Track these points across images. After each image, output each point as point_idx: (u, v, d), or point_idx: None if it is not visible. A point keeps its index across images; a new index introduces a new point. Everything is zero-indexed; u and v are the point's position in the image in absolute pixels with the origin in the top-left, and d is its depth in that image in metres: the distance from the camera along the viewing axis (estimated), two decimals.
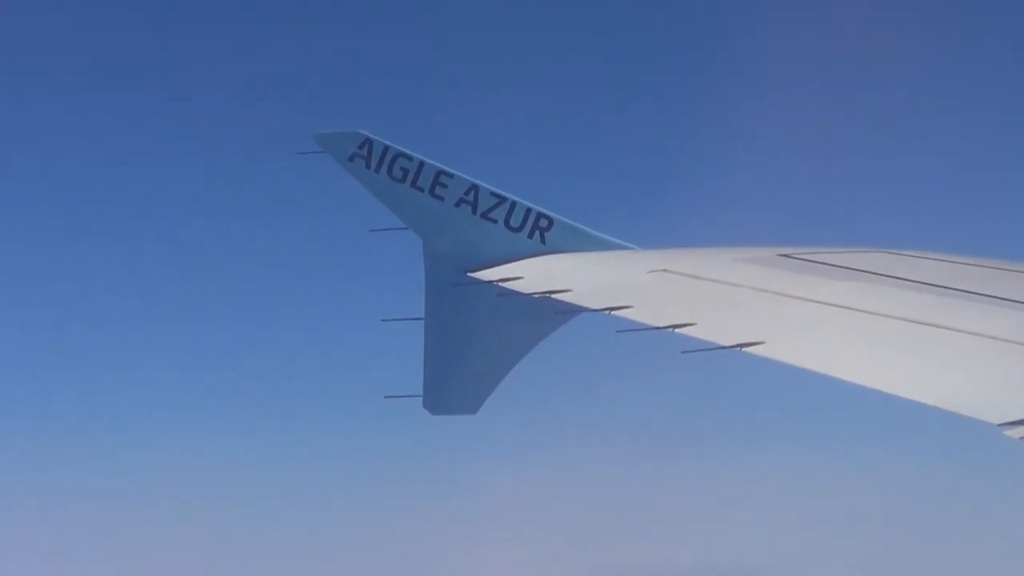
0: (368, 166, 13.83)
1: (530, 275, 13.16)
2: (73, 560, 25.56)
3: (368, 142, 13.84)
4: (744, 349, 9.40)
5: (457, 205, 13.80)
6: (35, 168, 32.60)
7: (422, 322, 14.02)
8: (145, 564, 25.52)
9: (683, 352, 9.71)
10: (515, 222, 13.77)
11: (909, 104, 31.13)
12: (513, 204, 13.81)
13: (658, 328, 10.28)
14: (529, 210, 13.80)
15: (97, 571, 25.59)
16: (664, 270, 11.95)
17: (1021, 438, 7.26)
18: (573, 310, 12.29)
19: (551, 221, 13.78)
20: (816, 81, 31.01)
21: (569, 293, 12.23)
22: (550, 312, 12.70)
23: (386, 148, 13.83)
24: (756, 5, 29.95)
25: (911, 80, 31.21)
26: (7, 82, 32.13)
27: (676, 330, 10.10)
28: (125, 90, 32.48)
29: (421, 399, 14.08)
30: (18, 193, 32.40)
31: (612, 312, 11.08)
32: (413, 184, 13.79)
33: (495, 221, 13.78)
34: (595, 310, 11.57)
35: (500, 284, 13.22)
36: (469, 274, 13.71)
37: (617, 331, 10.73)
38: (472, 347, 14.02)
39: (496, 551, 24.35)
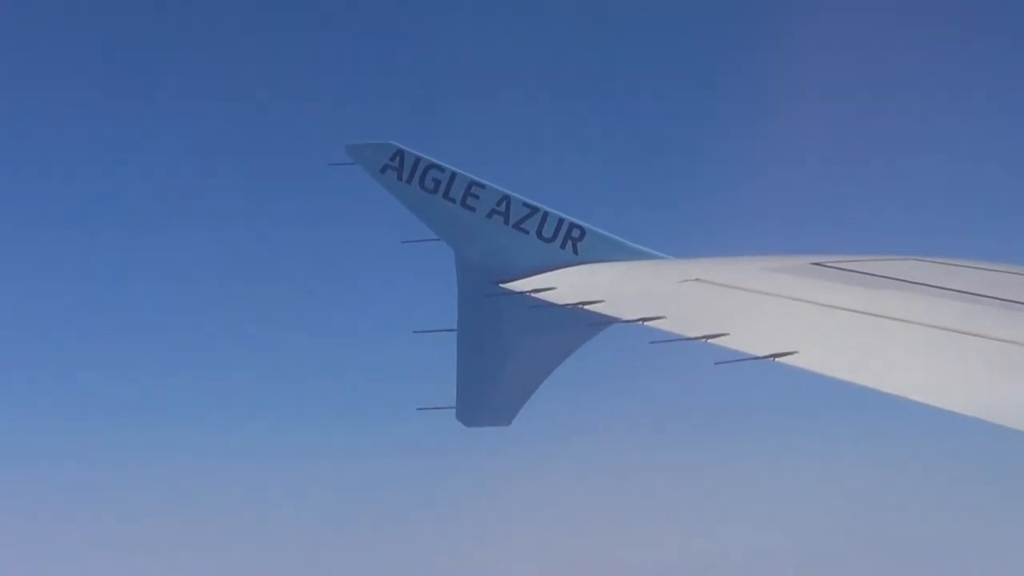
0: (400, 177, 13.82)
1: (563, 286, 13.13)
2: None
3: (400, 153, 13.83)
4: (777, 359, 9.34)
5: (489, 216, 13.78)
6: (78, 175, 32.89)
7: (455, 333, 14.01)
8: (185, 563, 25.69)
9: (716, 363, 9.66)
10: (547, 232, 13.75)
11: (944, 108, 31.00)
12: (545, 214, 13.78)
13: (691, 339, 10.24)
14: (561, 220, 13.78)
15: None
16: (697, 280, 11.91)
17: None
18: (606, 321, 12.26)
19: (583, 231, 13.75)
20: (848, 89, 30.93)
21: (602, 304, 12.20)
22: (583, 323, 12.67)
23: (418, 159, 13.82)
24: (790, 14, 29.86)
25: (944, 83, 31.08)
26: (45, 86, 32.42)
27: (709, 340, 10.05)
28: (160, 102, 32.66)
29: (454, 411, 14.06)
30: (68, 200, 32.74)
31: (645, 323, 11.04)
32: (445, 195, 13.78)
33: (527, 232, 13.76)
34: (628, 321, 11.53)
35: (533, 295, 13.20)
36: (501, 285, 13.69)
37: (650, 342, 10.69)
38: (505, 358, 14.00)
39: (528, 562, 24.31)
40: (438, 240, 14.00)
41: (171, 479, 27.51)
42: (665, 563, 24.08)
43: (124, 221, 32.09)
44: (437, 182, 13.80)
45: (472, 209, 13.78)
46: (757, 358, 9.45)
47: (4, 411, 28.95)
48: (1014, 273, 10.51)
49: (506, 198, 13.79)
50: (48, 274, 31.87)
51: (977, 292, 9.78)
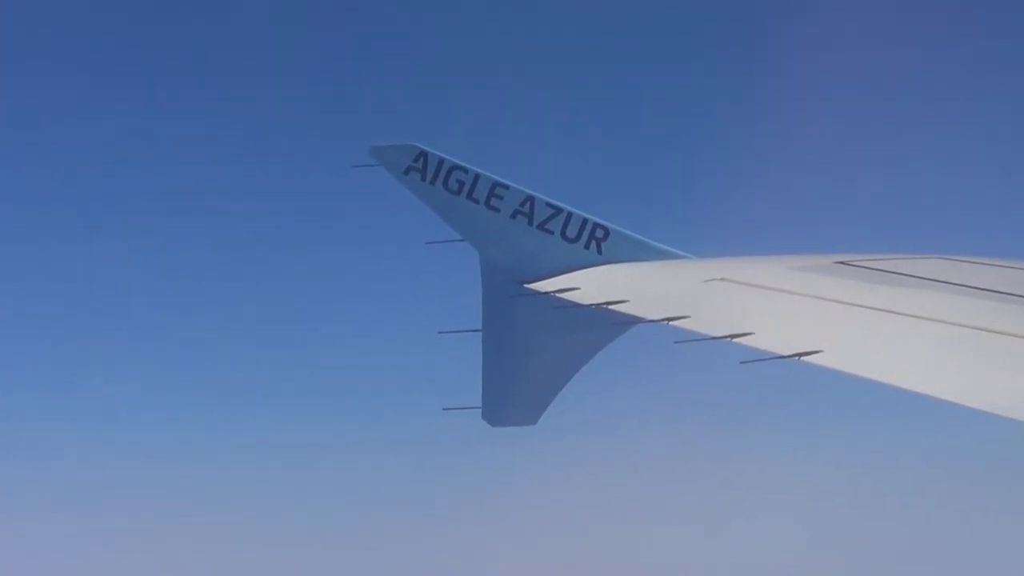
0: (424, 179, 13.85)
1: (587, 286, 13.15)
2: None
3: (423, 155, 13.86)
4: (803, 358, 9.35)
5: (513, 216, 13.80)
6: (104, 181, 33.11)
7: (480, 334, 14.03)
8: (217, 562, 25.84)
9: (741, 362, 9.67)
10: (571, 233, 13.76)
11: (961, 104, 30.92)
12: (569, 215, 13.80)
13: (716, 338, 10.25)
14: (585, 220, 13.79)
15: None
16: (721, 279, 11.92)
17: None
18: (630, 320, 12.27)
19: (607, 231, 13.76)
20: (870, 85, 30.87)
21: (626, 303, 12.21)
22: (608, 323, 12.68)
23: (441, 161, 13.84)
24: (813, 7, 29.82)
25: (958, 78, 31.00)
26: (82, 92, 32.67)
27: (734, 340, 10.06)
28: (186, 105, 32.80)
29: (480, 411, 14.09)
30: (97, 205, 32.96)
31: (670, 322, 11.05)
32: (469, 196, 13.80)
33: (551, 232, 13.77)
34: (652, 320, 11.54)
35: (557, 295, 13.21)
36: (526, 285, 13.71)
37: (675, 341, 10.71)
38: (530, 358, 14.02)
39: (554, 560, 24.33)
40: (462, 241, 14.02)
41: (202, 476, 27.70)
42: (689, 561, 24.07)
43: (152, 223, 32.28)
44: (461, 183, 13.82)
45: (496, 210, 13.80)
46: (782, 357, 9.46)
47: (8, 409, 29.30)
48: None
49: (530, 199, 13.81)
50: (78, 275, 32.12)
51: (1002, 290, 9.77)
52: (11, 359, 30.36)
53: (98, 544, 26.64)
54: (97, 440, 28.92)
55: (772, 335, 9.97)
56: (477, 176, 13.81)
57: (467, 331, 14.06)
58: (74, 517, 27.28)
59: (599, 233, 13.74)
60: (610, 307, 12.31)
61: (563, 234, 13.75)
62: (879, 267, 11.19)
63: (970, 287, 10.02)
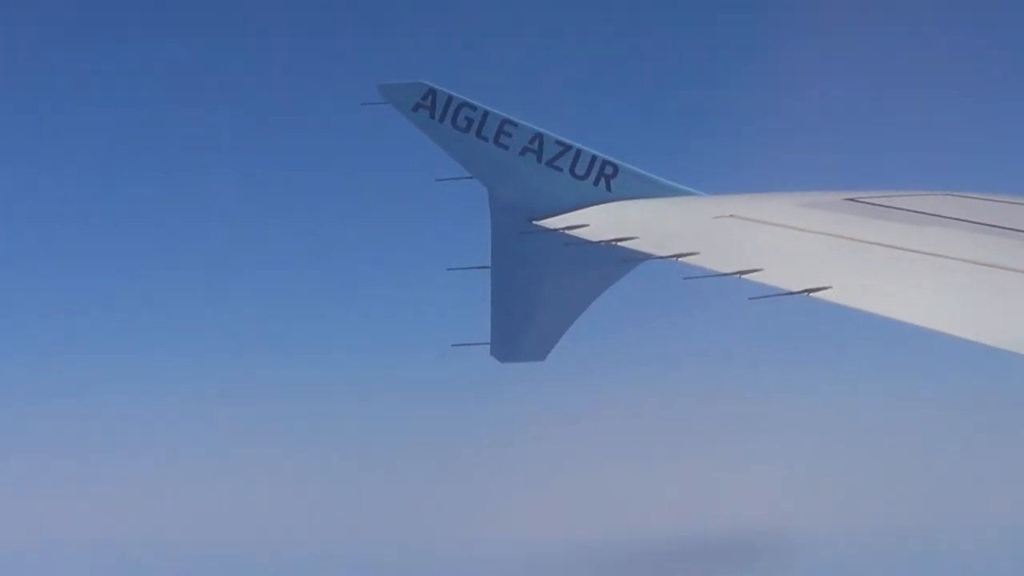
0: (432, 116, 13.84)
1: (596, 223, 13.17)
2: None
3: (432, 92, 13.84)
4: (811, 294, 9.39)
5: (522, 154, 13.81)
6: (116, 133, 33.11)
7: (489, 271, 14.08)
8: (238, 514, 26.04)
9: (750, 298, 9.72)
10: (580, 170, 13.77)
11: (973, 39, 30.78)
12: (578, 152, 13.80)
13: (725, 274, 10.28)
14: (594, 158, 13.79)
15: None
16: (730, 216, 11.94)
17: None
18: (640, 257, 12.31)
19: (616, 168, 13.76)
20: (876, 22, 30.74)
21: (635, 240, 12.24)
22: (617, 259, 12.72)
23: (450, 98, 13.83)
24: None
25: (970, 13, 30.85)
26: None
27: (743, 276, 10.10)
28: (193, 41, 32.74)
29: (489, 347, 14.16)
30: (101, 147, 33.01)
31: (679, 259, 11.08)
32: (478, 134, 13.80)
33: (560, 169, 13.78)
34: (662, 257, 11.57)
35: (566, 232, 13.24)
36: (535, 222, 13.73)
37: (684, 278, 10.75)
38: (539, 295, 14.07)
39: (561, 495, 24.49)
40: (471, 178, 14.03)
41: (211, 412, 27.87)
42: (695, 495, 24.22)
43: (160, 165, 32.32)
44: (470, 120, 13.81)
45: (505, 147, 13.80)
46: (791, 293, 9.50)
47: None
48: None
49: (539, 136, 13.81)
50: (83, 230, 32.21)
51: (1011, 226, 9.79)
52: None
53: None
54: (101, 376, 29.16)
55: (781, 271, 10.00)
56: (486, 113, 13.80)
57: (476, 268, 14.11)
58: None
59: (608, 170, 13.75)
60: (619, 244, 12.33)
61: (572, 171, 13.75)
62: (888, 204, 11.21)
63: (979, 223, 10.04)
